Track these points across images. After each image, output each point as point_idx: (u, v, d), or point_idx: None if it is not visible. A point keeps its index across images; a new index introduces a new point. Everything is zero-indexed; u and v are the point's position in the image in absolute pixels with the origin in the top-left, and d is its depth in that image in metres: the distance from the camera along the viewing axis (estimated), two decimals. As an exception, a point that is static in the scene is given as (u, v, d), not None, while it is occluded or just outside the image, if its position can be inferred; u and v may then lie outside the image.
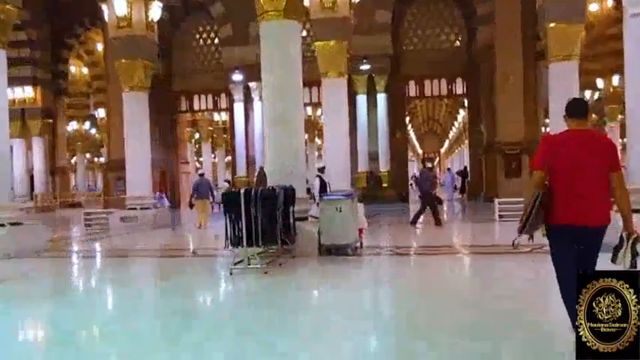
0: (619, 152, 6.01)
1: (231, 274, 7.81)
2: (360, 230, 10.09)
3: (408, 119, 46.81)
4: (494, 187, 21.92)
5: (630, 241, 3.80)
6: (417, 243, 11.57)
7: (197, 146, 41.96)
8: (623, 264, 3.79)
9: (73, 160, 44.79)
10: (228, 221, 7.97)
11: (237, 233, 7.87)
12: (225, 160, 40.64)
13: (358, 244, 10.11)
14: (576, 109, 3.99)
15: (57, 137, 31.09)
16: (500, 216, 14.89)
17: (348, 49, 15.81)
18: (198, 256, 10.27)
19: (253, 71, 26.03)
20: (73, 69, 35.82)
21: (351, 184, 26.61)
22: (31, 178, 30.09)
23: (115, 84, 25.29)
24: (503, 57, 22.62)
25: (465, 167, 35.80)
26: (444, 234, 12.42)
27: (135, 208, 16.02)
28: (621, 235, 3.85)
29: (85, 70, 37.39)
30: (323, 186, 12.21)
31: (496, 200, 15.34)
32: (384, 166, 25.45)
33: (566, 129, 4.00)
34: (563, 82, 14.12)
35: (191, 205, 15.54)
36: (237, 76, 25.82)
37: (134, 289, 7.72)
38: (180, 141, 30.45)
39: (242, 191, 7.69)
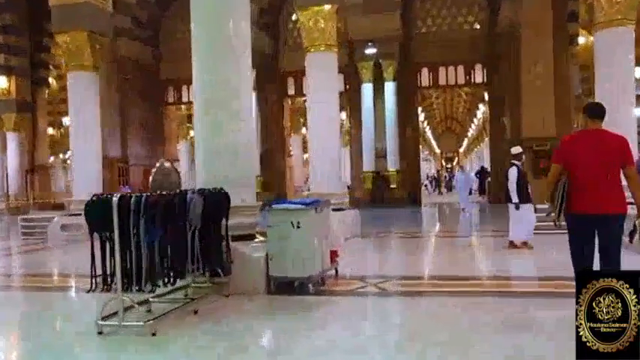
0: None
1: (100, 333, 4.79)
2: (334, 253, 7.02)
3: (423, 116, 43.78)
4: (519, 190, 18.66)
5: None
6: (423, 270, 8.33)
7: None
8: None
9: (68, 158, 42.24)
10: (97, 247, 4.91)
11: (110, 267, 4.82)
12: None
13: (333, 272, 7.07)
14: (596, 111, 4.54)
15: (37, 133, 28.38)
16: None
17: (339, 19, 12.80)
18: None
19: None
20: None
21: (349, 187, 23.91)
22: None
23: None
24: (530, 39, 19.30)
25: (483, 167, 32.72)
26: (462, 256, 9.28)
27: (80, 214, 13.08)
28: (634, 222, 4.46)
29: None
30: (522, 177, 9.01)
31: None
32: (392, 164, 22.26)
33: (582, 129, 4.69)
34: (615, 54, 10.96)
35: None
36: (227, 63, 22.82)
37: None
38: (168, 136, 27.65)
39: (115, 199, 4.62)
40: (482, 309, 5.37)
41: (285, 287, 6.24)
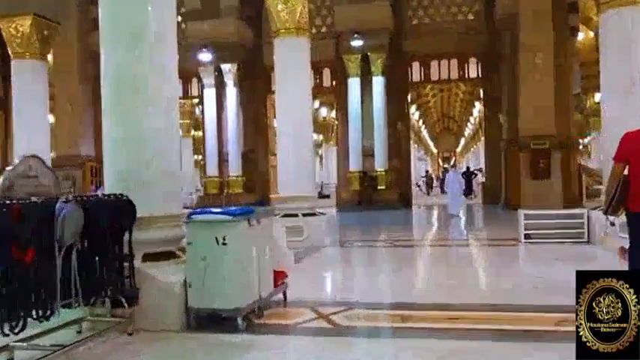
0: None
1: None
2: (280, 274, 5.62)
3: (417, 115, 42.46)
4: (516, 191, 17.25)
5: None
6: (401, 294, 6.77)
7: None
8: None
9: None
10: None
11: None
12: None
13: (281, 296, 5.70)
14: None
15: (10, 131, 26.91)
16: (527, 235, 10.30)
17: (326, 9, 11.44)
18: None
19: (226, 50, 21.92)
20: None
21: (337, 187, 22.44)
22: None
23: (58, 66, 21.38)
24: (528, 30, 17.91)
25: (468, 167, 31.61)
26: (457, 273, 7.88)
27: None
28: None
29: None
30: None
31: (521, 212, 10.70)
32: (380, 164, 20.85)
33: None
34: (623, 38, 9.59)
35: None
36: (206, 56, 21.45)
37: None
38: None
39: None
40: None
41: (209, 321, 4.85)
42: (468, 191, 25.42)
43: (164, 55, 5.59)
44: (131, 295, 4.72)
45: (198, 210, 5.19)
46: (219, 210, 5.03)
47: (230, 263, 4.74)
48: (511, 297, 5.96)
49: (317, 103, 33.01)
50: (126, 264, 4.73)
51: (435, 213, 20.73)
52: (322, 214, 11.00)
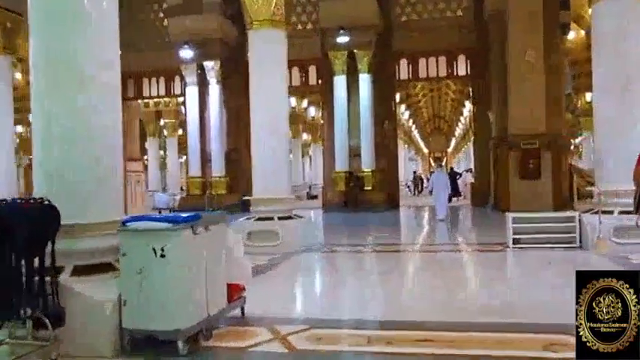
0: None
1: None
2: (235, 288, 5.00)
3: (407, 114, 41.94)
4: (506, 192, 16.68)
5: None
6: (376, 309, 6.03)
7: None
8: None
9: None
10: None
11: None
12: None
13: (238, 311, 5.08)
14: None
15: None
16: (516, 240, 9.73)
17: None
18: None
19: (208, 47, 21.26)
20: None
21: (323, 188, 21.77)
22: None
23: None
24: (518, 27, 17.35)
25: (452, 168, 31.21)
26: (423, 287, 7.30)
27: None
28: None
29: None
30: None
31: (509, 216, 10.11)
32: (367, 164, 20.22)
33: None
34: (618, 32, 9.04)
35: None
36: (187, 53, 20.77)
37: None
38: (129, 133, 25.48)
39: None
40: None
41: (146, 345, 4.22)
42: (454, 192, 24.82)
43: (109, 50, 5.04)
44: (56, 314, 4.08)
45: (134, 217, 4.54)
46: (159, 216, 4.40)
47: (170, 277, 4.12)
48: (495, 313, 5.36)
49: (305, 102, 32.44)
50: (49, 278, 4.09)
51: (422, 215, 20.14)
52: (300, 217, 10.38)
